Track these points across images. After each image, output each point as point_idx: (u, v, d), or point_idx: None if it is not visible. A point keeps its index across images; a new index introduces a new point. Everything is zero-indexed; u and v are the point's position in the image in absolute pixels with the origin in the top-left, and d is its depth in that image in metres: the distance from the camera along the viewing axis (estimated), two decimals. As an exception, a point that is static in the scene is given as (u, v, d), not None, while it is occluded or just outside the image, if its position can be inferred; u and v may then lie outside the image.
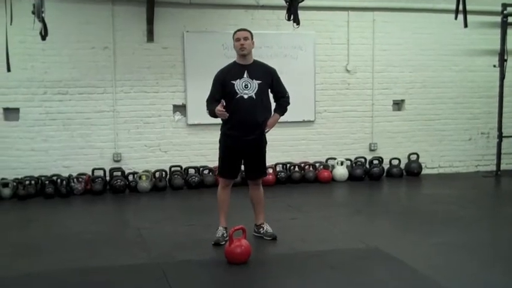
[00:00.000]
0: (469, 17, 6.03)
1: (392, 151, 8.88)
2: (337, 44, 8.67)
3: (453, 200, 7.00)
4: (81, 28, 7.80)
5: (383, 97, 8.90)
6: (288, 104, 5.18)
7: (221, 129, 5.09)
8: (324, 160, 8.63)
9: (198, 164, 8.12)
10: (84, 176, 7.71)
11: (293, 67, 8.34)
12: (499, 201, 7.52)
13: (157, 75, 8.08)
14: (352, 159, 8.66)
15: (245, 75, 4.92)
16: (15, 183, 7.42)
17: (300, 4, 6.52)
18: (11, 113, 7.72)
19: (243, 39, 4.90)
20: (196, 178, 7.91)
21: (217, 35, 7.97)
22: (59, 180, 7.53)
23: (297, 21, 6.48)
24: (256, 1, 8.25)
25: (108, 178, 7.82)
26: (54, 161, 7.84)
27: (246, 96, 4.89)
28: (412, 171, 8.77)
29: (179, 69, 8.13)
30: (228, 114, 4.78)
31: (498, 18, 8.67)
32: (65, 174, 7.72)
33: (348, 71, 8.73)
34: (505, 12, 8.55)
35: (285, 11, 6.58)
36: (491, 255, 4.69)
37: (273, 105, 5.20)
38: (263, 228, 5.17)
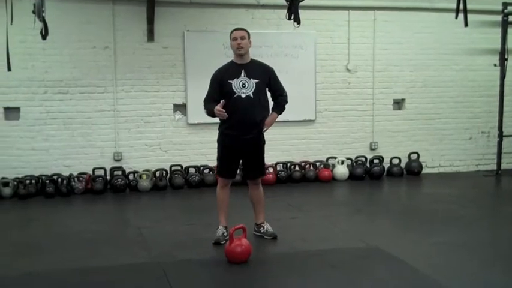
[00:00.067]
0: (469, 16, 6.03)
1: (393, 150, 8.88)
2: (337, 43, 8.66)
3: (453, 199, 7.00)
4: (81, 28, 7.80)
5: (383, 96, 8.90)
6: (286, 102, 5.17)
7: (219, 129, 5.09)
8: (324, 159, 8.63)
9: (198, 163, 8.12)
10: (85, 175, 7.72)
11: (294, 66, 8.34)
12: (499, 200, 7.52)
13: (157, 74, 8.09)
14: (353, 158, 8.66)
15: (242, 75, 4.92)
16: (15, 183, 7.42)
17: (301, 3, 6.53)
18: (12, 112, 7.72)
19: (239, 38, 4.90)
20: (197, 177, 7.91)
21: (218, 34, 7.96)
22: (59, 180, 7.54)
23: (297, 20, 6.48)
24: (256, 0, 8.24)
25: (108, 177, 7.83)
26: (55, 160, 7.84)
27: (243, 96, 4.88)
28: (412, 171, 8.77)
29: (180, 69, 8.14)
30: (227, 115, 4.78)
31: (499, 17, 8.66)
32: (66, 173, 7.73)
33: (348, 70, 8.73)
34: (505, 11, 8.54)
35: (285, 10, 6.58)
36: (492, 255, 4.69)
37: (271, 104, 5.18)
38: (263, 228, 5.18)
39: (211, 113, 4.89)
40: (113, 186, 7.67)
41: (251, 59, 5.04)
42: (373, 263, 4.47)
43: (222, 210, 5.12)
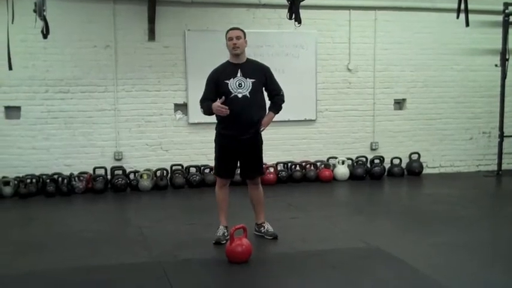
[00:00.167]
0: (470, 16, 6.03)
1: (394, 150, 8.88)
2: (338, 43, 8.66)
3: (454, 200, 7.00)
4: (82, 27, 7.80)
5: (384, 96, 8.90)
6: (283, 101, 5.14)
7: (216, 129, 5.08)
8: (325, 159, 8.63)
9: (199, 163, 8.12)
10: (86, 175, 7.72)
11: (294, 66, 8.35)
12: (499, 201, 7.52)
13: (158, 74, 8.09)
14: (353, 158, 8.66)
15: (239, 74, 4.91)
16: (16, 182, 7.43)
17: (302, 3, 6.51)
18: (13, 111, 7.72)
19: (235, 38, 4.89)
20: (197, 177, 7.91)
21: (219, 33, 7.85)
22: (60, 179, 7.54)
23: (298, 20, 6.47)
24: (257, 0, 8.25)
25: (109, 177, 7.83)
26: (56, 160, 7.84)
27: (240, 95, 4.87)
28: (413, 171, 8.77)
29: (180, 68, 8.14)
30: (228, 112, 4.78)
31: (500, 18, 8.66)
32: (66, 172, 7.74)
33: (349, 70, 8.73)
34: (506, 11, 8.53)
35: (286, 10, 6.57)
36: (492, 255, 4.69)
37: (268, 103, 5.17)
38: (264, 227, 5.18)
39: (208, 110, 4.89)
40: (113, 186, 7.68)
41: (247, 59, 5.03)
42: (374, 263, 4.47)
43: (221, 210, 5.12)
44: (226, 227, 5.03)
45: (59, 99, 7.80)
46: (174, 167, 8.06)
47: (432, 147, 9.10)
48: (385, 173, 8.67)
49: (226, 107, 4.76)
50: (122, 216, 6.69)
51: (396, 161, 8.76)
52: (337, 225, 5.74)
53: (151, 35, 7.94)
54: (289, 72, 8.23)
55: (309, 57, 8.49)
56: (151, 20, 7.87)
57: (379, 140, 8.92)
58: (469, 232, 5.42)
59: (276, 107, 5.12)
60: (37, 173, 7.65)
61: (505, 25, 8.60)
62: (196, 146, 8.18)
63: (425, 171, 8.93)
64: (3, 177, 7.50)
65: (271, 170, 8.09)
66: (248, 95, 4.89)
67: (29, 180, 7.44)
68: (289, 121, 8.38)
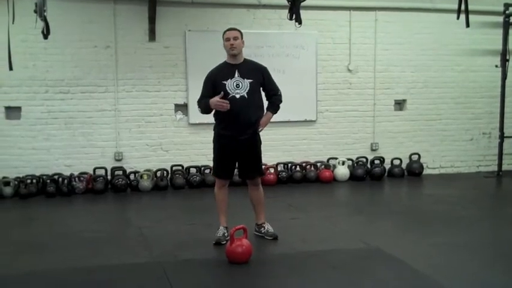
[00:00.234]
0: (470, 17, 6.02)
1: (394, 151, 8.88)
2: (339, 44, 8.66)
3: (454, 200, 7.00)
4: (83, 27, 7.81)
5: (385, 97, 8.90)
6: (281, 101, 5.13)
7: (214, 130, 5.08)
8: (325, 160, 8.63)
9: (199, 164, 8.12)
10: (86, 175, 7.72)
11: (295, 66, 8.36)
12: (500, 201, 7.52)
13: (159, 74, 8.09)
14: (354, 159, 8.66)
15: (236, 75, 4.91)
16: (16, 182, 7.43)
17: (302, 3, 6.53)
18: (13, 111, 7.73)
19: (232, 39, 4.89)
20: (198, 177, 7.91)
21: (219, 34, 7.76)
22: (60, 179, 7.54)
23: (299, 20, 6.48)
24: (258, 0, 8.25)
25: (109, 177, 7.83)
26: (56, 160, 7.85)
27: (238, 96, 4.87)
28: (413, 171, 8.77)
29: (181, 69, 8.14)
30: (229, 106, 4.77)
31: (500, 18, 8.66)
32: (67, 173, 7.74)
33: (349, 70, 8.73)
34: (507, 12, 8.54)
35: (286, 11, 6.58)
36: (492, 255, 4.69)
37: (266, 103, 5.17)
38: (264, 228, 5.18)
39: (206, 108, 4.89)
40: (113, 186, 7.68)
41: (244, 59, 5.03)
42: (374, 263, 4.47)
43: (221, 211, 5.12)
44: (226, 228, 5.03)
45: (59, 100, 7.81)
46: (174, 168, 8.06)
47: (432, 148, 9.10)
48: (386, 174, 8.67)
49: (227, 101, 4.76)
50: (122, 216, 6.68)
51: (396, 162, 8.76)
52: (337, 226, 5.74)
53: (152, 35, 7.95)
54: (290, 73, 8.25)
55: (310, 57, 8.49)
56: (152, 20, 7.87)
57: (379, 141, 8.92)
58: (469, 232, 5.42)
59: (274, 107, 5.12)
60: (37, 174, 7.65)
61: (505, 26, 8.60)
62: (197, 147, 8.18)
63: (426, 171, 8.93)
64: (4, 177, 7.51)
65: (272, 170, 8.09)
66: (246, 95, 4.89)
67: (29, 181, 7.44)
68: (289, 122, 8.38)
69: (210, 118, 5.14)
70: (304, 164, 8.44)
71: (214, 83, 4.91)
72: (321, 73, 8.60)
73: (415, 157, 8.82)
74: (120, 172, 7.85)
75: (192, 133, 8.22)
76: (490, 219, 6.15)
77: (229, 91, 4.86)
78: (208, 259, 4.62)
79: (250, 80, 4.91)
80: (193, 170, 8.05)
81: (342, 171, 8.46)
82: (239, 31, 4.98)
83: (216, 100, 4.77)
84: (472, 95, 9.16)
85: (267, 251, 4.89)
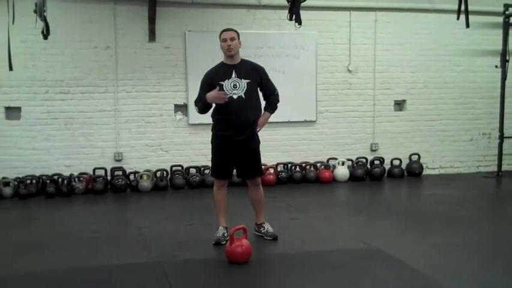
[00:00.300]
0: (470, 17, 6.03)
1: (394, 151, 8.88)
2: (339, 44, 8.67)
3: (454, 201, 7.01)
4: (83, 27, 7.81)
5: (384, 97, 8.90)
6: (278, 101, 5.13)
7: (212, 130, 5.08)
8: (325, 160, 8.63)
9: (199, 164, 8.12)
10: (86, 175, 7.72)
11: (295, 67, 8.36)
12: (499, 201, 7.52)
13: (159, 74, 8.10)
14: (353, 159, 8.66)
15: (233, 75, 4.90)
16: (16, 182, 7.43)
17: (302, 4, 6.52)
18: (13, 111, 7.73)
19: (229, 39, 4.87)
20: (197, 178, 7.91)
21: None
22: (60, 180, 7.54)
23: (298, 21, 6.48)
24: (258, 1, 8.26)
25: (109, 177, 7.83)
26: (56, 160, 7.85)
27: (235, 97, 4.87)
28: (413, 172, 8.77)
29: (181, 69, 8.14)
30: (227, 98, 4.77)
31: (500, 19, 8.67)
32: (66, 173, 7.74)
33: (349, 71, 8.73)
34: (506, 12, 8.55)
35: (286, 11, 6.57)
36: (492, 255, 4.69)
37: (263, 103, 5.17)
38: (264, 228, 5.17)
39: (203, 106, 4.91)
40: (113, 187, 7.68)
41: (241, 59, 5.02)
42: (374, 263, 4.47)
43: (220, 211, 5.12)
44: (225, 228, 5.03)
45: (59, 100, 7.81)
46: (174, 168, 8.07)
47: (432, 148, 9.11)
48: (385, 174, 8.67)
49: (224, 92, 4.77)
50: (121, 216, 6.68)
51: (396, 162, 8.76)
52: (337, 226, 5.74)
53: (152, 35, 7.95)
54: (290, 73, 8.26)
55: (309, 58, 8.50)
56: (152, 21, 7.88)
57: (379, 141, 8.92)
58: (469, 232, 5.42)
59: (272, 106, 5.12)
60: (37, 174, 7.65)
61: (505, 26, 8.61)
62: (196, 147, 8.18)
63: (425, 172, 8.93)
64: (4, 177, 7.51)
65: (271, 170, 8.09)
66: (243, 96, 4.88)
67: (29, 181, 7.44)
68: (289, 122, 8.39)
69: (209, 118, 5.14)
70: (303, 165, 8.44)
71: (211, 84, 4.91)
72: (321, 73, 8.60)
73: (414, 157, 8.82)
74: (120, 172, 7.85)
75: (192, 133, 8.22)
76: (490, 219, 6.15)
77: (226, 92, 4.86)
78: (207, 259, 4.62)
79: (248, 81, 4.91)
80: (193, 171, 8.05)
81: (342, 172, 8.46)
82: (236, 31, 4.97)
83: (212, 93, 4.77)
84: (471, 96, 9.16)
85: (266, 251, 4.89)
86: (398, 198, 7.73)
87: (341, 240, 5.26)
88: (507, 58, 8.61)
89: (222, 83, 4.87)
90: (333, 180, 8.40)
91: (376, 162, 8.63)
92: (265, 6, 8.31)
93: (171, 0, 7.98)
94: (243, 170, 5.11)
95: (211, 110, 5.06)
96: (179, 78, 8.15)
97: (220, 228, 5.06)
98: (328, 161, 8.63)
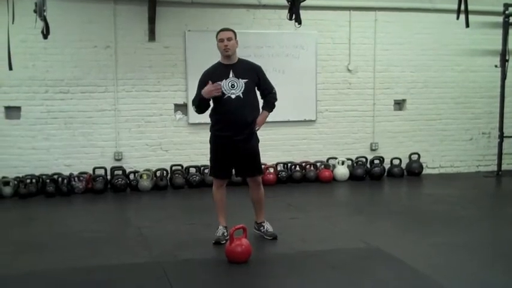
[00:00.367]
0: (470, 17, 6.03)
1: (393, 151, 8.88)
2: (338, 44, 8.66)
3: (454, 200, 7.01)
4: (83, 27, 7.80)
5: (384, 97, 8.90)
6: (276, 99, 5.13)
7: (210, 130, 5.08)
8: (325, 160, 8.63)
9: (199, 163, 8.11)
10: (85, 175, 7.72)
11: (295, 66, 8.36)
12: (499, 201, 7.52)
13: (158, 74, 8.09)
14: (353, 158, 8.66)
15: (231, 75, 4.90)
16: (16, 182, 7.43)
17: (302, 3, 6.52)
18: (13, 111, 7.73)
19: (226, 39, 4.86)
20: (197, 177, 7.91)
21: (219, 34, 7.95)
22: (60, 179, 7.54)
23: (298, 20, 6.47)
24: (258, 0, 8.25)
25: (109, 177, 7.83)
26: (56, 160, 7.85)
27: (233, 96, 4.87)
28: (413, 171, 8.77)
29: (181, 69, 8.14)
30: (221, 89, 4.77)
31: (500, 19, 8.67)
32: (66, 172, 7.74)
33: (349, 70, 8.73)
34: (506, 12, 8.55)
35: (286, 11, 6.57)
36: (492, 255, 4.69)
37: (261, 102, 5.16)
38: (263, 227, 5.17)
39: (201, 102, 4.92)
40: (113, 186, 7.68)
41: (238, 59, 5.01)
42: (374, 263, 4.47)
43: (220, 211, 5.12)
44: (225, 227, 5.03)
45: (59, 100, 7.81)
46: (173, 167, 8.06)
47: (432, 148, 9.11)
48: (385, 174, 8.68)
49: (219, 83, 4.77)
50: (121, 216, 6.68)
51: (396, 162, 8.76)
52: (337, 226, 5.74)
53: (152, 35, 7.95)
54: (289, 73, 8.26)
55: (309, 57, 8.49)
56: (152, 21, 7.87)
57: (379, 141, 8.92)
58: (469, 232, 5.42)
59: (270, 105, 5.11)
60: (37, 173, 7.65)
61: (505, 26, 8.61)
62: (196, 146, 8.16)
63: (425, 171, 8.93)
64: (3, 177, 7.50)
65: (271, 170, 8.09)
66: (241, 95, 4.88)
67: (28, 181, 7.44)
68: (289, 121, 8.39)
69: (209, 118, 5.14)
70: (303, 164, 8.44)
71: None
72: (321, 73, 8.60)
73: (414, 157, 8.82)
74: (120, 172, 7.85)
75: (192, 133, 8.21)
76: (490, 219, 6.15)
77: (224, 92, 4.86)
78: (207, 259, 4.62)
79: (245, 80, 4.91)
80: (192, 170, 8.05)
81: (342, 171, 8.46)
82: (233, 31, 4.96)
83: (207, 86, 4.78)
84: (471, 95, 9.16)
85: (266, 250, 4.89)
86: (398, 198, 7.73)
87: (341, 240, 5.26)
88: (507, 58, 8.60)
89: (220, 82, 4.87)
90: (333, 180, 8.40)
91: (376, 161, 8.63)
92: (265, 6, 8.30)
93: (171, 0, 7.98)
94: (242, 169, 5.10)
95: (209, 110, 5.06)
96: (179, 78, 8.15)
97: (220, 227, 5.06)
98: (328, 160, 8.64)
